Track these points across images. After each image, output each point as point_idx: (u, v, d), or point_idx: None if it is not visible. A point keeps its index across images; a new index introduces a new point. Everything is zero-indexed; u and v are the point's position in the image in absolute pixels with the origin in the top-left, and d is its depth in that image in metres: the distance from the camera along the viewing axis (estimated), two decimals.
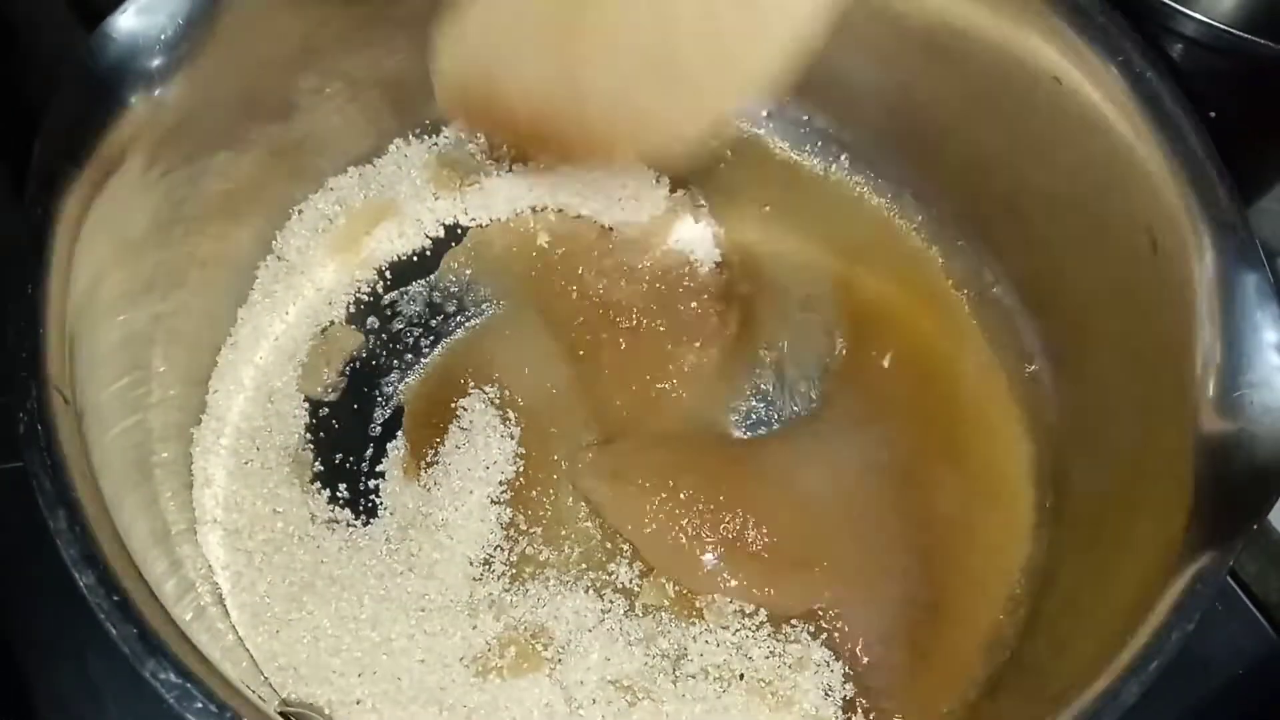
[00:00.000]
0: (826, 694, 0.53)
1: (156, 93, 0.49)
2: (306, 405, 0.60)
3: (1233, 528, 0.41)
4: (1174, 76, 0.53)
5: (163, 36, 0.49)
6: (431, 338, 0.62)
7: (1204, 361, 0.45)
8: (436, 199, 0.66)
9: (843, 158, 0.67)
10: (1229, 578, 0.54)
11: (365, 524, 0.57)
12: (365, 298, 0.64)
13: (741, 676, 0.52)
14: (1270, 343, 0.45)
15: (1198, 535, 0.41)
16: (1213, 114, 0.61)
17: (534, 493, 0.57)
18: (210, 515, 0.56)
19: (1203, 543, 0.41)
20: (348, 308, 0.63)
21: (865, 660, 0.54)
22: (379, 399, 0.60)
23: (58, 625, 0.53)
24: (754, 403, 0.61)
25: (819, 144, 0.68)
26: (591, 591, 0.55)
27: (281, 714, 0.42)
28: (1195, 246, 0.48)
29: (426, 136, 0.67)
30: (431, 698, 0.51)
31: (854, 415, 0.60)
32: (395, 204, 0.66)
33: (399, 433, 0.59)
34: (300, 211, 0.64)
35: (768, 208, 0.66)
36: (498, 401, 0.59)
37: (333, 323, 0.63)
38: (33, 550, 0.41)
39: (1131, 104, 0.52)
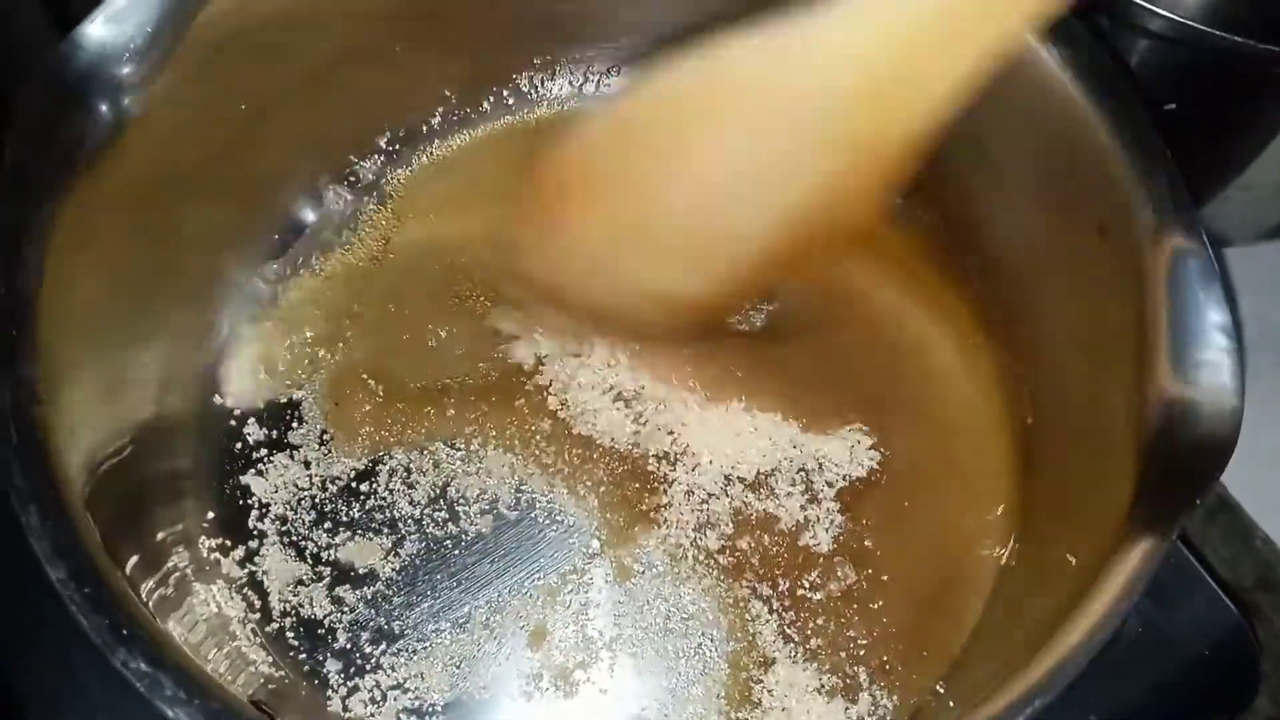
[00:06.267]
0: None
1: (125, 101, 0.50)
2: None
3: (1182, 498, 0.42)
4: (1127, 68, 0.54)
5: (132, 45, 0.50)
6: None
7: (1153, 342, 0.47)
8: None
9: None
10: (1197, 562, 0.55)
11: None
12: None
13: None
14: (1215, 323, 0.46)
15: (1147, 508, 0.42)
16: (1172, 105, 0.62)
17: None
18: None
19: (1152, 515, 0.42)
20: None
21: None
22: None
23: (44, 623, 0.53)
24: None
25: None
26: None
27: (253, 703, 0.42)
28: (1143, 232, 0.49)
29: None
30: None
31: None
32: None
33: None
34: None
35: None
36: None
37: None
38: (17, 547, 0.41)
39: (1086, 95, 0.53)
